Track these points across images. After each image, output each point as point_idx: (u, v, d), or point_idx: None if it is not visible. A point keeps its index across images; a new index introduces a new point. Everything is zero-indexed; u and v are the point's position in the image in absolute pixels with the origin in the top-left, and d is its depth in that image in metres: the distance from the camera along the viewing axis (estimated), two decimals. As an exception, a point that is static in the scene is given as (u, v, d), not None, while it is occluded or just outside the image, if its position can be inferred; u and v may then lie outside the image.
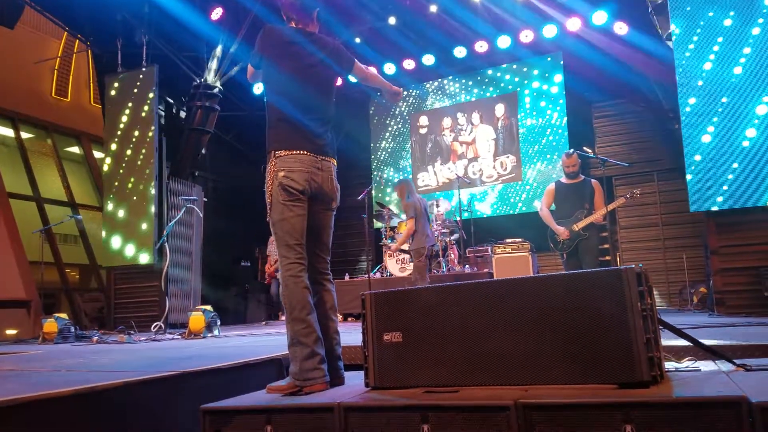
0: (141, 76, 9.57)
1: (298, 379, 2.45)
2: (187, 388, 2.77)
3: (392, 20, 10.15)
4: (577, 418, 1.71)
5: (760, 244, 6.05)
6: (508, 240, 8.22)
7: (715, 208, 6.17)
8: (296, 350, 2.50)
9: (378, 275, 9.10)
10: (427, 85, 12.03)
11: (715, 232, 6.33)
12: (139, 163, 9.38)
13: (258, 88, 11.17)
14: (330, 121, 2.87)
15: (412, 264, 8.36)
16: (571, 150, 6.16)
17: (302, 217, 2.67)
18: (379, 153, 12.39)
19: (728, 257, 6.21)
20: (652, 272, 9.82)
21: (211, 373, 2.94)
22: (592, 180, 6.07)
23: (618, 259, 10.19)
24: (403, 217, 9.14)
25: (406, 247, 7.52)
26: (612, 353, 1.88)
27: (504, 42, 10.41)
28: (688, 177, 6.29)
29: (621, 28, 9.30)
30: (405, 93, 12.16)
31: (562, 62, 10.74)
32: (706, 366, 2.24)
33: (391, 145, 12.32)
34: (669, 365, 2.22)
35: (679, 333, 2.22)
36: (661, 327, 2.05)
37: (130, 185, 9.41)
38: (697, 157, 6.22)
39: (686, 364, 2.32)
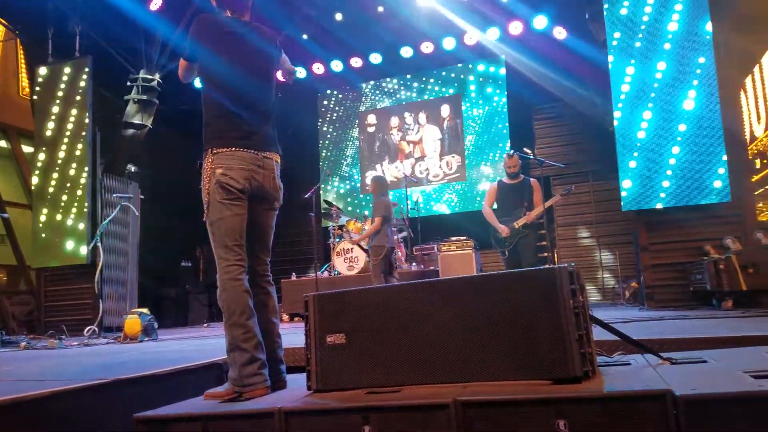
0: (74, 68, 9.14)
1: (237, 385, 2.40)
2: (120, 396, 2.67)
3: (339, 16, 10.11)
4: (512, 414, 1.75)
5: (686, 241, 6.39)
6: (453, 238, 8.36)
7: (644, 208, 6.46)
8: (235, 356, 2.44)
9: (326, 274, 9.06)
10: (375, 84, 12.06)
11: (644, 230, 6.64)
12: (71, 158, 8.96)
13: (199, 81, 10.91)
14: (272, 114, 2.77)
15: (361, 262, 8.37)
16: (512, 151, 6.33)
17: (241, 216, 2.57)
18: (327, 151, 12.33)
19: (657, 254, 6.53)
20: (587, 268, 10.19)
21: (146, 380, 2.84)
22: (532, 179, 6.25)
23: (555, 255, 10.51)
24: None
25: (364, 244, 7.50)
26: (546, 350, 1.94)
27: (449, 44, 10.59)
28: (621, 178, 6.56)
29: (560, 33, 9.61)
30: (352, 91, 12.16)
31: (504, 65, 10.99)
32: (636, 360, 2.33)
33: (339, 143, 12.29)
34: (600, 359, 2.30)
35: (610, 329, 2.31)
36: (592, 323, 2.13)
37: (61, 182, 8.98)
38: (632, 164, 6.50)
39: (617, 358, 2.42)
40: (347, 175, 12.14)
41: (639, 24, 6.55)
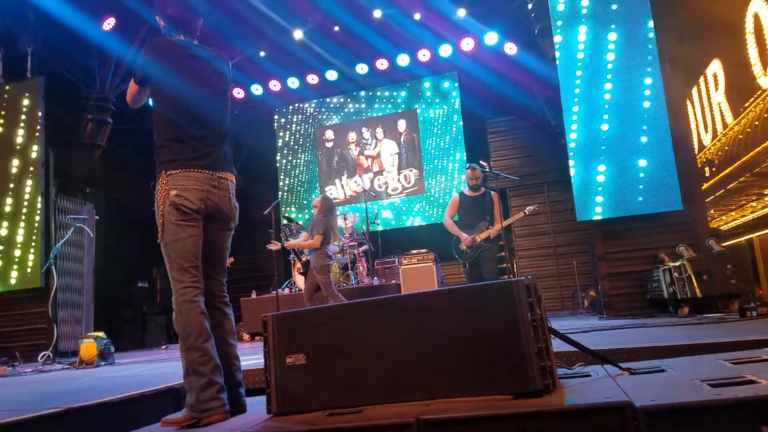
0: (25, 88, 8.88)
1: (195, 411, 2.34)
2: (75, 425, 2.57)
3: (298, 34, 10.12)
4: (475, 431, 1.75)
5: (641, 250, 6.54)
6: (414, 251, 8.38)
7: (597, 218, 6.61)
8: (192, 380, 2.38)
9: (287, 291, 8.95)
10: (332, 100, 12.08)
11: (601, 240, 6.78)
12: (23, 179, 8.67)
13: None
14: (228, 134, 2.75)
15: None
16: (474, 164, 6.41)
17: (197, 237, 2.54)
18: (285, 167, 12.26)
19: (614, 263, 6.67)
20: (546, 278, 10.35)
21: (101, 408, 2.74)
22: (492, 192, 6.33)
23: (515, 266, 10.64)
24: (304, 233, 9.09)
25: (304, 258, 7.43)
26: (506, 365, 1.94)
27: (403, 60, 10.74)
28: (574, 189, 6.70)
29: (511, 49, 9.83)
30: (309, 107, 12.15)
31: (457, 81, 11.18)
32: (596, 371, 2.36)
33: (297, 159, 12.23)
34: (561, 371, 2.32)
35: (569, 341, 2.34)
36: (551, 335, 2.15)
37: (13, 204, 8.67)
38: (585, 175, 6.64)
39: (577, 369, 2.45)
40: (305, 190, 12.08)
41: (584, 39, 6.75)
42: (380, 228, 10.25)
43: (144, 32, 9.00)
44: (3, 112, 8.92)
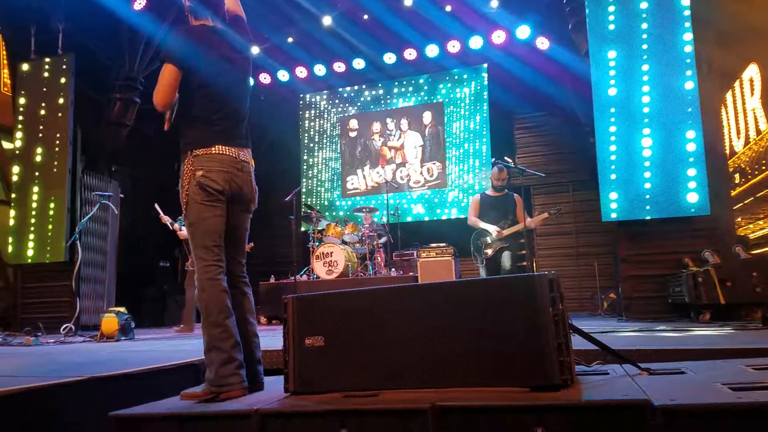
0: (56, 65, 9.02)
1: (214, 386, 2.37)
2: (95, 394, 2.63)
3: (327, 20, 10.11)
4: (490, 421, 1.75)
5: (666, 254, 6.45)
6: (433, 245, 8.36)
7: (624, 219, 6.52)
8: (213, 356, 2.42)
9: (305, 278, 9.01)
10: (358, 89, 12.06)
11: (625, 241, 6.69)
12: (51, 155, 8.83)
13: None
14: (247, 116, 2.83)
15: (340, 267, 8.34)
16: (501, 164, 6.39)
17: (221, 218, 2.60)
18: (308, 154, 12.30)
19: (637, 265, 6.58)
20: (566, 278, 10.26)
21: (122, 379, 2.80)
22: (515, 195, 6.33)
23: (534, 264, 10.56)
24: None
25: None
26: (525, 357, 1.94)
27: (432, 51, 10.65)
28: (602, 190, 6.62)
29: (543, 43, 9.70)
30: (335, 95, 12.16)
31: (486, 73, 11.06)
32: (614, 370, 2.34)
33: (321, 147, 12.26)
34: (579, 369, 2.31)
35: (589, 338, 2.32)
36: (571, 332, 2.13)
37: (41, 179, 8.85)
38: (612, 176, 6.57)
39: (595, 367, 2.43)
40: (328, 179, 12.11)
41: (622, 38, 6.64)
42: (400, 220, 10.22)
43: (174, 12, 9.06)
44: (34, 88, 9.08)
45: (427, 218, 11.13)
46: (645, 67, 6.43)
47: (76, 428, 2.48)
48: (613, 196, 6.51)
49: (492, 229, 6.15)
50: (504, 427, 1.73)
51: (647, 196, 6.39)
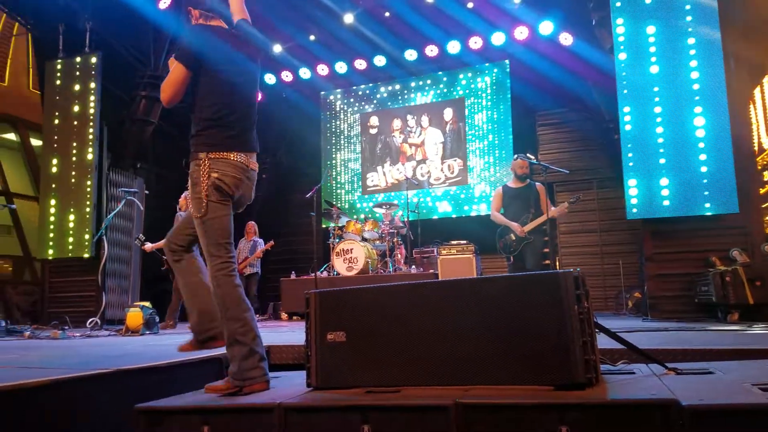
0: (83, 63, 9.18)
1: (237, 379, 2.39)
2: (120, 386, 2.67)
3: (348, 18, 10.11)
4: (514, 419, 1.74)
5: (692, 252, 6.33)
6: (453, 242, 8.33)
7: (650, 217, 6.43)
8: (234, 350, 2.44)
9: (325, 274, 9.04)
10: (378, 86, 12.05)
11: (650, 240, 6.59)
12: (78, 152, 8.99)
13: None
14: (256, 120, 2.89)
15: (360, 263, 8.35)
16: (524, 155, 6.31)
17: (230, 216, 2.70)
18: (329, 151, 12.33)
19: (662, 264, 6.48)
20: (590, 276, 10.13)
21: (147, 372, 2.84)
22: (537, 184, 6.21)
23: (558, 263, 10.46)
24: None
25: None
26: (549, 355, 1.92)
27: (454, 47, 10.58)
28: (626, 186, 6.53)
29: (566, 39, 9.58)
30: (355, 92, 12.17)
31: (509, 69, 10.96)
32: (640, 369, 2.31)
33: (341, 144, 12.28)
34: (604, 368, 2.28)
35: (615, 337, 2.29)
36: (597, 330, 2.11)
37: (68, 175, 9.01)
38: (638, 172, 6.47)
39: (621, 366, 2.40)
40: (348, 176, 12.13)
41: (646, 34, 6.54)
42: (420, 217, 10.19)
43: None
44: (62, 86, 9.25)
45: (454, 215, 11.06)
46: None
47: (103, 419, 2.52)
48: (633, 192, 6.43)
49: (514, 226, 6.07)
50: (528, 425, 1.71)
51: (673, 193, 6.29)
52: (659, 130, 6.43)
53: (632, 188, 6.48)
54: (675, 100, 6.37)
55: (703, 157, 6.23)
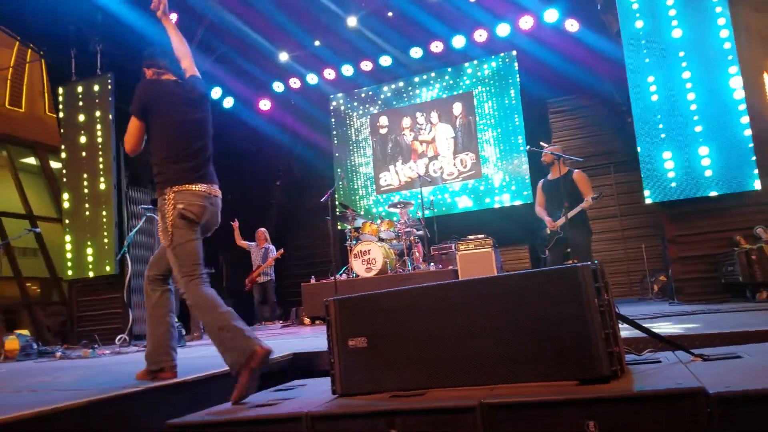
0: (96, 85, 9.33)
1: (238, 363, 2.62)
2: (152, 403, 2.72)
3: (352, 21, 10.12)
4: (540, 416, 1.73)
5: (714, 232, 6.24)
6: (471, 236, 8.28)
7: (667, 200, 6.34)
8: (222, 336, 2.75)
9: (344, 276, 9.06)
10: (385, 86, 12.05)
11: (670, 222, 6.51)
12: (96, 172, 9.14)
13: (215, 93, 11.03)
14: (210, 153, 3.23)
15: (379, 264, 8.36)
16: (546, 146, 6.30)
17: (199, 242, 3.07)
18: (340, 154, 12.36)
19: (685, 246, 6.39)
20: (613, 262, 10.04)
21: (177, 388, 2.89)
22: (575, 172, 6.08)
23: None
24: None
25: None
26: (572, 350, 1.91)
27: (459, 42, 10.53)
28: (643, 170, 6.46)
29: (572, 26, 9.49)
30: (363, 93, 12.18)
31: (516, 60, 10.89)
32: (666, 357, 2.29)
33: (352, 146, 12.30)
34: (629, 358, 2.26)
35: (637, 326, 2.27)
36: (619, 321, 2.09)
37: (88, 195, 9.17)
38: (648, 153, 6.40)
39: (646, 355, 2.38)
40: (361, 177, 12.15)
41: (654, 12, 6.47)
42: (436, 213, 10.16)
43: (203, 28, 9.25)
44: (77, 109, 9.40)
45: (463, 210, 11.02)
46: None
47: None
48: (649, 175, 6.34)
49: (546, 220, 6.09)
50: (554, 422, 1.71)
51: (687, 175, 6.21)
52: (691, 96, 6.32)
53: (667, 161, 6.30)
54: (705, 62, 6.25)
55: (745, 119, 6.07)
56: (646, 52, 6.49)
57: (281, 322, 10.11)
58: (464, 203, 11.09)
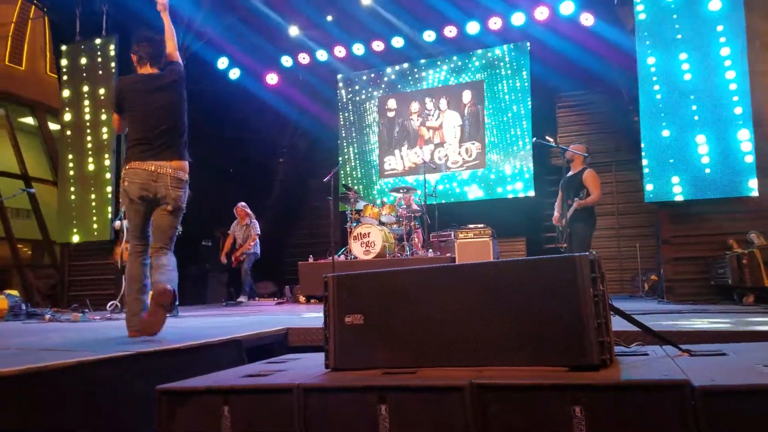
0: (100, 46, 9.25)
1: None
2: (141, 368, 2.73)
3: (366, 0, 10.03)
4: (528, 399, 1.76)
5: (709, 235, 6.30)
6: (471, 225, 8.33)
7: (666, 200, 6.38)
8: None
9: (342, 258, 9.10)
10: (396, 68, 11.98)
11: (667, 222, 6.56)
12: (96, 135, 9.11)
13: (222, 63, 10.97)
14: (183, 130, 3.87)
15: (378, 247, 8.38)
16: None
17: (139, 213, 3.74)
18: (346, 134, 12.32)
19: (679, 247, 6.45)
20: (607, 259, 10.08)
21: (168, 354, 2.91)
22: (586, 171, 6.20)
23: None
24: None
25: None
26: (564, 337, 1.94)
27: (473, 28, 10.44)
28: (644, 168, 6.48)
29: (587, 20, 9.44)
30: (373, 74, 12.12)
31: (528, 51, 10.83)
32: (654, 351, 2.32)
33: (359, 127, 12.26)
34: (618, 349, 2.30)
35: (629, 319, 2.31)
36: (612, 312, 2.12)
37: (86, 159, 9.13)
38: (651, 153, 6.42)
39: (634, 348, 2.42)
40: (366, 160, 12.13)
41: (668, 13, 6.45)
42: (438, 201, 10.18)
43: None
44: (79, 70, 9.32)
45: (466, 199, 11.01)
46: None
47: (125, 401, 2.58)
48: (650, 175, 6.36)
49: (555, 216, 6.37)
50: (542, 406, 1.74)
51: (690, 177, 6.24)
52: (672, 112, 6.34)
53: (701, 145, 6.25)
54: (694, 84, 6.28)
55: (721, 141, 6.13)
56: (678, 27, 6.43)
57: (275, 299, 10.17)
58: (468, 193, 11.08)
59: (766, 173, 6.10)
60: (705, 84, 6.26)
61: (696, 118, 6.26)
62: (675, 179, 6.32)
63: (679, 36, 6.39)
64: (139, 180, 3.60)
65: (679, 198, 6.32)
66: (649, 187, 6.45)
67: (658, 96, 6.44)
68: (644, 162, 6.52)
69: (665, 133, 6.39)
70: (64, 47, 9.51)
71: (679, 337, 2.73)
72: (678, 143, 6.32)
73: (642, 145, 6.53)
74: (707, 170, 6.18)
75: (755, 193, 6.01)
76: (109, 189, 8.89)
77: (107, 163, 8.96)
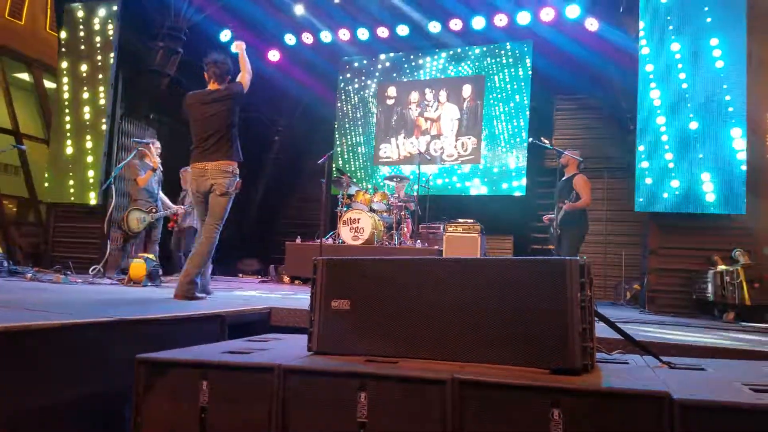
0: (103, 8, 9.12)
1: None
2: (123, 335, 2.71)
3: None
4: (508, 398, 1.78)
5: (695, 249, 6.37)
6: (461, 220, 8.34)
7: (656, 211, 6.43)
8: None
9: (330, 241, 9.09)
10: (399, 56, 11.91)
11: (655, 233, 6.61)
12: (92, 98, 8.98)
13: (224, 36, 10.84)
14: (226, 134, 4.64)
15: (366, 233, 8.38)
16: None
17: (198, 204, 4.80)
18: (343, 119, 12.25)
19: (665, 258, 6.51)
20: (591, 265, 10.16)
21: (150, 324, 2.88)
22: (577, 176, 6.23)
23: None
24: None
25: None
26: (548, 339, 1.95)
27: (478, 23, 10.39)
28: (637, 177, 6.52)
29: (592, 24, 9.41)
30: (375, 59, 12.03)
31: (531, 51, 10.80)
32: (634, 360, 2.34)
33: (357, 113, 12.19)
34: (599, 356, 2.31)
35: (614, 327, 2.32)
36: (596, 319, 2.13)
37: (80, 120, 9.01)
38: (646, 163, 6.45)
39: (615, 355, 2.44)
40: (361, 145, 12.08)
41: (671, 26, 6.47)
42: (430, 192, 10.18)
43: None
44: (80, 30, 9.18)
45: (458, 193, 11.01)
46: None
47: (104, 367, 2.56)
48: (642, 185, 6.39)
49: (545, 217, 6.46)
50: (521, 406, 1.75)
51: (682, 190, 6.29)
52: (668, 124, 6.38)
53: (641, 181, 6.43)
54: (692, 98, 6.33)
55: (714, 157, 6.18)
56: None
57: (259, 277, 10.14)
58: (461, 187, 11.07)
59: (754, 194, 6.16)
60: (701, 105, 6.30)
61: (695, 135, 6.30)
62: (664, 191, 6.36)
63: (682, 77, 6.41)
64: (194, 177, 4.62)
65: (668, 210, 6.37)
66: (639, 197, 6.47)
67: (659, 111, 6.47)
68: (637, 172, 6.54)
69: (659, 143, 6.42)
70: (66, 6, 9.35)
71: (659, 349, 2.76)
72: (671, 158, 6.36)
73: (638, 151, 6.54)
74: (697, 186, 6.23)
75: (744, 211, 6.06)
76: (99, 152, 8.78)
77: (102, 125, 8.85)
